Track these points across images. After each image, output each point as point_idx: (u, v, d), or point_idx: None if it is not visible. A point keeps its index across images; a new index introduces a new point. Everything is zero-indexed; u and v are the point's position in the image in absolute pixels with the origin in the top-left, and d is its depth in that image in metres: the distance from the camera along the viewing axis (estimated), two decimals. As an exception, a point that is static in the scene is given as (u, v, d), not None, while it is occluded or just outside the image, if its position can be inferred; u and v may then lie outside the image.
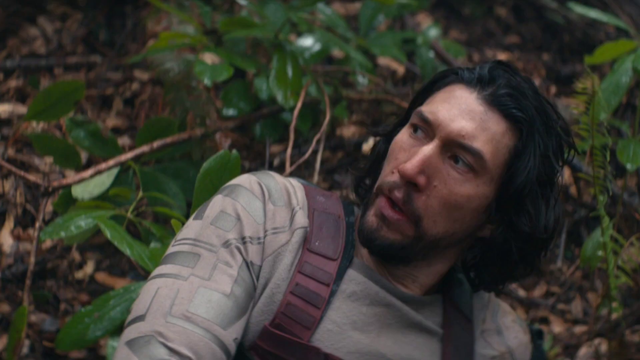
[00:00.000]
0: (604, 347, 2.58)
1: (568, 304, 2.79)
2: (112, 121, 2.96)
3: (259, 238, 1.69)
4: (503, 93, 1.70)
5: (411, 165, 1.65)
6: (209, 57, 2.62)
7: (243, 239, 1.68)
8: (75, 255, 2.70)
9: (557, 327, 2.70)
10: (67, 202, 2.51)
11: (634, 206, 2.84)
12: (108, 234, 2.23)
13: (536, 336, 1.95)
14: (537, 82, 3.17)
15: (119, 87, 3.04)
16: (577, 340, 2.65)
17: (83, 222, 2.31)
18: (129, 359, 1.57)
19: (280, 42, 2.74)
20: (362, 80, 2.98)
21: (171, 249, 1.70)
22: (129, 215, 2.37)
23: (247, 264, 1.67)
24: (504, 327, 1.89)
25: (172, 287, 1.63)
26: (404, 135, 1.73)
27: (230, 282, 1.64)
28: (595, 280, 2.81)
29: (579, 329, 2.70)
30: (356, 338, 1.70)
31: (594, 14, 2.77)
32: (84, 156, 2.75)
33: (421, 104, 1.75)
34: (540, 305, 2.78)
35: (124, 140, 2.88)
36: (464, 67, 1.77)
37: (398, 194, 1.67)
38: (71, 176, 2.57)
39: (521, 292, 2.80)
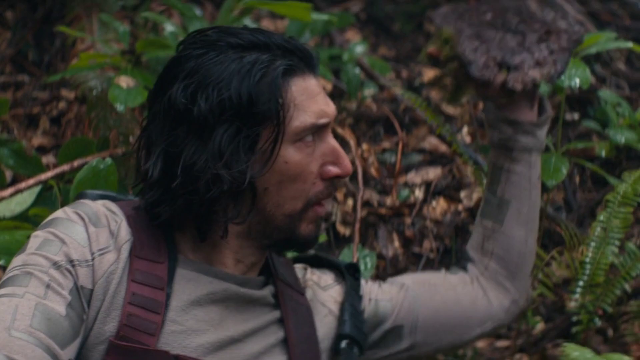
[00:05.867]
0: (525, 362, 2.59)
1: (492, 319, 2.79)
2: (38, 140, 2.97)
3: (87, 260, 1.69)
4: (316, 56, 1.78)
5: (349, 165, 1.77)
6: (124, 81, 2.61)
7: (71, 262, 1.67)
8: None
9: (480, 342, 2.69)
10: (-10, 220, 2.51)
11: (557, 221, 2.85)
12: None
13: (352, 270, 2.03)
14: (464, 97, 3.18)
15: (46, 106, 3.04)
16: (499, 354, 2.65)
17: (-1, 242, 2.31)
18: None
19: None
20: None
21: (3, 278, 1.69)
22: (47, 234, 2.36)
23: (77, 289, 1.67)
24: (317, 283, 1.97)
25: (10, 304, 1.61)
26: (295, 152, 1.73)
27: (64, 304, 1.64)
28: (519, 295, 2.80)
29: (501, 343, 2.70)
30: (201, 331, 1.73)
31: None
32: (8, 175, 2.75)
33: (276, 118, 1.69)
34: (464, 320, 2.77)
35: (49, 159, 2.89)
36: (278, 61, 1.71)
37: (334, 191, 1.80)
38: (-7, 195, 2.58)
39: (445, 307, 2.80)
